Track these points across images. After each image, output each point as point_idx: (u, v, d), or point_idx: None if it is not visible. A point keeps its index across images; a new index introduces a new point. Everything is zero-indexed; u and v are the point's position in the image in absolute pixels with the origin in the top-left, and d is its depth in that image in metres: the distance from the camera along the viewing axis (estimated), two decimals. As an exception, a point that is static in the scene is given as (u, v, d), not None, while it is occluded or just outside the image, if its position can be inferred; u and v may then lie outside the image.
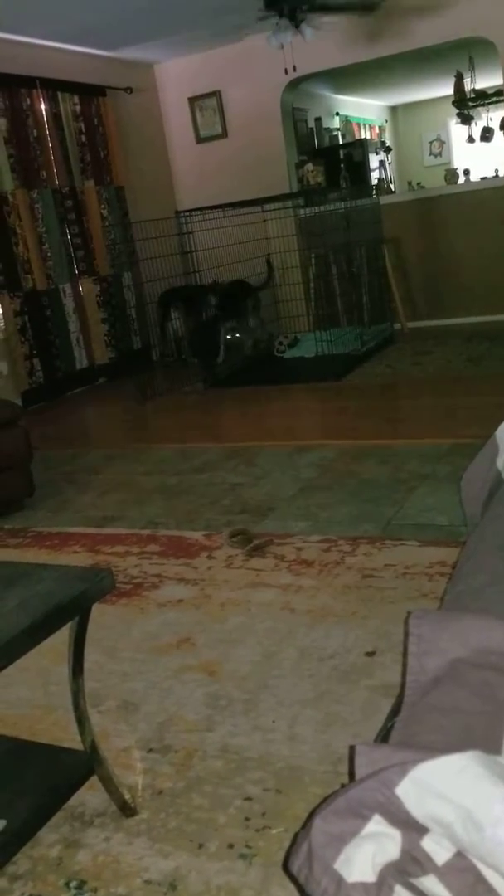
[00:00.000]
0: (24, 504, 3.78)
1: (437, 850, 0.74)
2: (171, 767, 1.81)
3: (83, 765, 1.64)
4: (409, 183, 10.73)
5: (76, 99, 6.56)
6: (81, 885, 1.51)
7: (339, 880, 0.73)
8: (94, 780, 1.66)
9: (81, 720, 1.63)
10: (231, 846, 1.55)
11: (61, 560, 3.09)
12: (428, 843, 0.74)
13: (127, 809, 1.67)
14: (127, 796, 1.70)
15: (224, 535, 3.08)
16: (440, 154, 12.03)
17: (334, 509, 3.21)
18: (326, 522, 3.10)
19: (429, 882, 0.73)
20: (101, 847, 1.60)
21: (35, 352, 6.12)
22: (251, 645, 2.27)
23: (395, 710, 1.03)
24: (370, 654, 2.13)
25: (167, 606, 2.59)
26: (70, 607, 1.48)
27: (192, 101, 7.56)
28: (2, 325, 5.88)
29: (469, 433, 3.61)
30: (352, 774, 0.84)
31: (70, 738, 1.73)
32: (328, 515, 3.16)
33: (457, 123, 9.99)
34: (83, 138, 6.63)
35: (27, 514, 3.70)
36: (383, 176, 9.72)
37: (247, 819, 1.62)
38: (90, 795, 1.72)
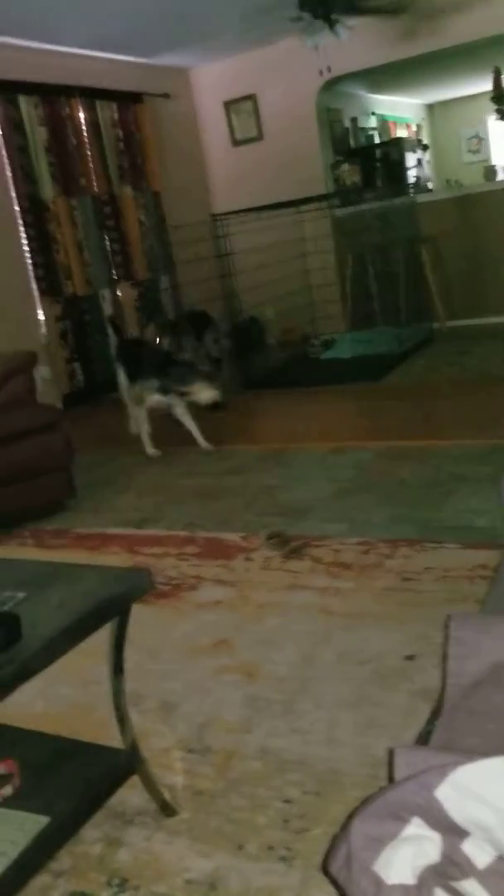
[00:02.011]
0: (65, 505, 3.82)
1: (478, 853, 0.74)
2: (211, 768, 1.82)
3: (124, 764, 1.66)
4: (447, 181, 10.63)
5: (114, 106, 6.62)
6: (123, 882, 1.53)
7: (378, 882, 0.73)
8: (134, 779, 1.68)
9: (122, 719, 1.65)
10: (271, 848, 1.56)
11: (101, 561, 3.12)
12: (468, 847, 0.74)
13: (167, 809, 1.69)
14: (167, 796, 1.71)
15: (261, 537, 3.09)
16: (478, 151, 11.90)
17: (372, 511, 3.20)
18: (364, 525, 3.09)
19: (469, 886, 0.73)
20: (142, 846, 1.62)
21: (76, 356, 6.18)
22: (289, 647, 2.28)
23: (435, 714, 1.03)
24: (410, 657, 2.12)
25: (205, 607, 2.61)
26: (110, 607, 1.50)
27: (228, 104, 7.58)
28: (44, 330, 5.96)
29: (509, 434, 3.58)
30: (391, 777, 0.84)
31: (111, 737, 1.75)
32: (365, 517, 3.15)
33: (496, 120, 9.88)
34: (121, 145, 6.69)
35: (69, 515, 3.75)
36: (420, 174, 9.65)
37: (286, 821, 1.62)
38: (131, 794, 1.73)
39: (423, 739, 1.02)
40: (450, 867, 0.73)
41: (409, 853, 0.74)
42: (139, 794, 1.72)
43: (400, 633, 2.25)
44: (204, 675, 2.21)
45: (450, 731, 0.93)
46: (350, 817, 0.80)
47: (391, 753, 0.86)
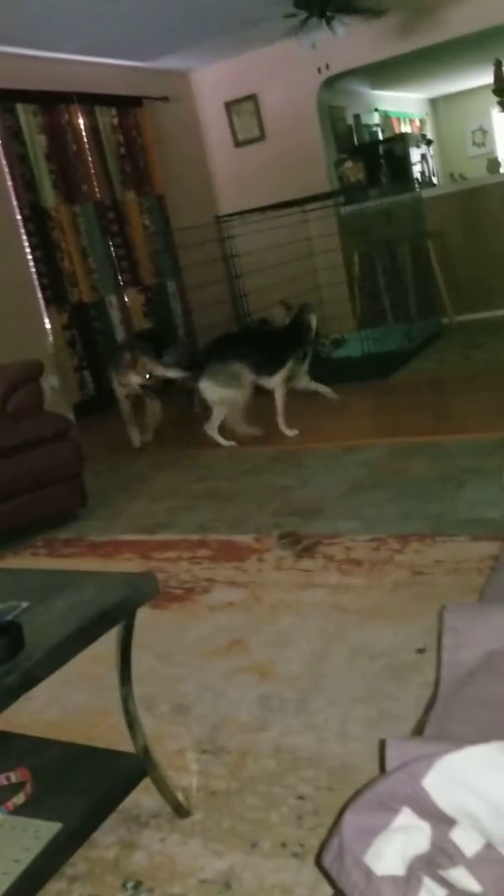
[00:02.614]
0: (77, 514, 3.84)
1: (467, 841, 0.74)
2: (225, 768, 1.82)
3: (136, 768, 1.67)
4: (451, 175, 10.60)
5: (114, 111, 6.64)
6: (138, 885, 1.54)
7: (368, 873, 0.73)
8: (149, 782, 1.69)
9: (132, 724, 1.65)
10: (284, 845, 1.56)
11: (114, 567, 3.13)
12: (457, 835, 0.74)
13: (181, 810, 1.69)
14: (181, 797, 1.72)
15: (273, 538, 3.09)
16: (483, 144, 11.85)
17: (383, 508, 3.20)
18: (375, 521, 3.08)
19: (458, 874, 0.72)
20: (156, 848, 1.62)
21: (84, 364, 6.20)
22: (302, 645, 2.28)
23: (431, 704, 1.03)
24: (421, 650, 2.11)
25: (218, 610, 2.61)
26: (115, 612, 1.51)
27: (229, 105, 7.59)
28: (51, 339, 5.99)
29: (519, 425, 3.57)
30: (383, 768, 0.84)
31: (125, 742, 1.76)
32: (377, 514, 3.15)
33: (499, 112, 9.84)
34: (122, 150, 6.71)
35: (81, 523, 3.77)
36: (425, 169, 9.62)
37: (299, 818, 1.62)
38: (145, 797, 1.74)
39: (419, 730, 1.02)
40: (439, 856, 0.73)
41: (398, 843, 0.74)
42: (154, 797, 1.72)
43: (411, 626, 2.24)
44: (217, 676, 2.21)
45: (444, 720, 0.93)
46: (343, 809, 0.81)
47: (383, 744, 0.86)
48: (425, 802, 0.75)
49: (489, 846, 0.73)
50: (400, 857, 0.73)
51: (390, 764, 0.81)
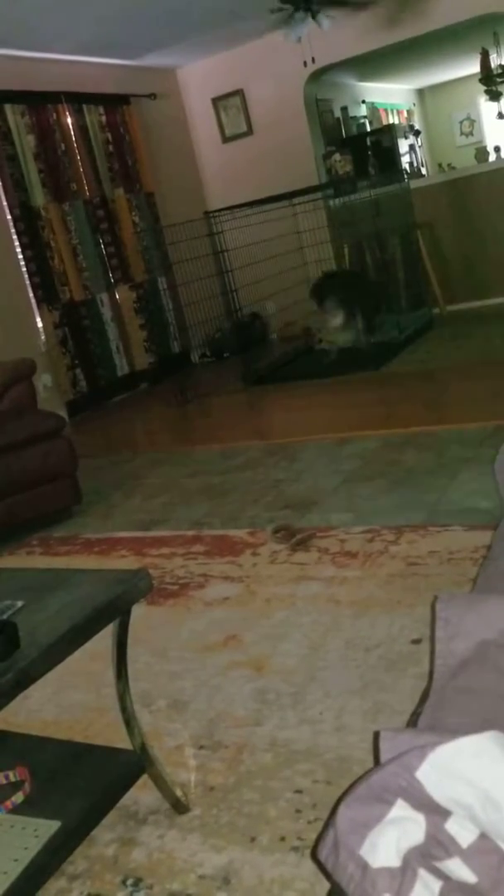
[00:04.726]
0: (72, 512, 3.84)
1: (461, 832, 0.74)
2: (222, 763, 1.83)
3: (134, 765, 1.67)
4: (440, 165, 10.59)
5: (101, 110, 6.62)
6: (137, 882, 1.54)
7: (364, 866, 0.73)
8: (147, 779, 1.69)
9: (129, 722, 1.65)
10: (283, 839, 1.56)
11: (109, 565, 3.13)
12: (452, 826, 0.74)
13: (179, 806, 1.69)
14: (179, 793, 1.72)
15: (268, 532, 3.10)
16: (471, 133, 11.84)
17: (377, 499, 3.20)
18: (370, 513, 3.09)
19: (453, 865, 0.73)
20: (155, 844, 1.63)
21: (77, 362, 6.20)
22: (297, 639, 2.28)
23: (425, 696, 1.03)
24: (416, 641, 2.12)
25: (213, 605, 2.62)
26: (109, 610, 1.51)
27: (216, 101, 7.58)
28: (43, 338, 5.98)
29: (511, 414, 3.57)
30: (377, 760, 0.84)
31: (123, 739, 1.76)
32: (371, 506, 3.15)
33: (486, 101, 9.83)
34: (110, 148, 6.69)
35: (76, 521, 3.77)
36: (414, 160, 9.61)
37: (297, 811, 1.63)
38: (144, 794, 1.75)
39: (414, 721, 1.02)
40: (434, 847, 0.74)
41: (393, 835, 0.74)
42: (152, 794, 1.73)
43: (406, 617, 2.25)
44: (214, 671, 2.22)
45: (437, 711, 0.93)
46: (338, 802, 0.81)
47: (376, 736, 0.86)
48: (419, 794, 0.75)
49: (484, 837, 0.73)
50: (395, 849, 0.73)
51: (384, 756, 0.82)
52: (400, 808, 0.76)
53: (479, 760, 0.73)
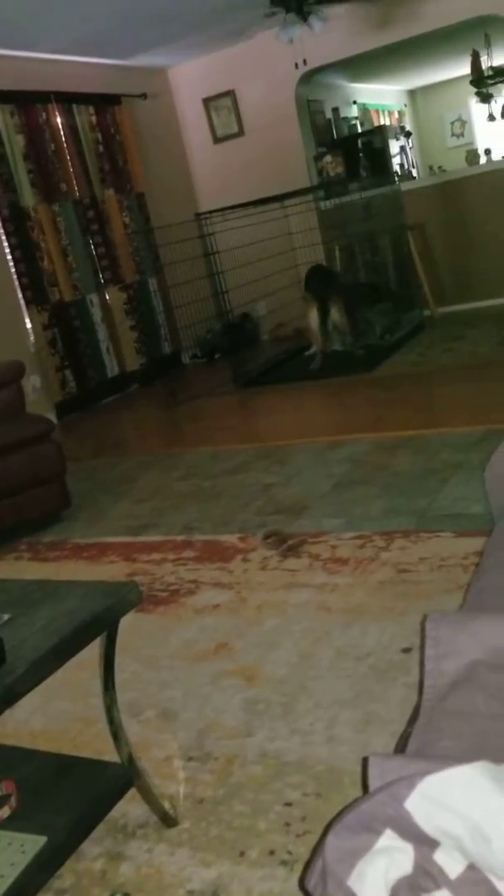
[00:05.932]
0: (61, 516, 3.82)
1: (450, 863, 0.73)
2: (212, 775, 1.81)
3: (122, 778, 1.65)
4: (431, 167, 10.59)
5: (91, 110, 6.60)
6: (125, 897, 1.53)
7: (352, 897, 0.72)
8: (136, 791, 1.67)
9: (116, 734, 1.64)
10: (272, 853, 1.55)
11: (99, 571, 3.12)
12: (440, 857, 0.73)
13: (168, 820, 1.68)
14: (168, 806, 1.70)
15: (258, 537, 3.08)
16: (462, 134, 11.85)
17: (368, 504, 3.19)
18: (360, 518, 3.08)
19: (442, 896, 0.72)
20: (143, 858, 1.61)
21: (66, 363, 6.17)
22: (288, 647, 2.27)
23: (415, 715, 1.02)
24: (407, 650, 2.11)
25: (204, 612, 2.60)
26: (96, 623, 1.49)
27: (207, 101, 7.56)
28: (32, 339, 5.95)
29: (503, 418, 3.57)
30: (365, 787, 0.83)
31: (112, 750, 1.75)
32: (362, 511, 3.14)
33: (477, 103, 9.84)
34: (101, 148, 6.66)
35: (65, 526, 3.74)
36: (405, 161, 9.61)
37: (287, 824, 1.61)
38: (132, 807, 1.73)
39: (403, 742, 1.01)
40: (423, 878, 0.73)
41: (382, 866, 0.73)
42: (141, 807, 1.71)
43: (397, 625, 2.24)
44: (203, 681, 2.20)
45: (427, 734, 0.92)
46: (325, 831, 0.80)
47: (365, 762, 0.85)
48: (408, 824, 0.74)
49: (472, 868, 0.72)
50: (383, 880, 0.72)
51: (372, 782, 0.80)
52: (388, 838, 0.75)
53: (469, 792, 0.72)
